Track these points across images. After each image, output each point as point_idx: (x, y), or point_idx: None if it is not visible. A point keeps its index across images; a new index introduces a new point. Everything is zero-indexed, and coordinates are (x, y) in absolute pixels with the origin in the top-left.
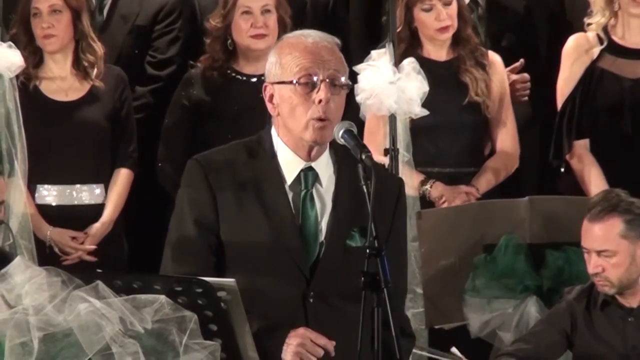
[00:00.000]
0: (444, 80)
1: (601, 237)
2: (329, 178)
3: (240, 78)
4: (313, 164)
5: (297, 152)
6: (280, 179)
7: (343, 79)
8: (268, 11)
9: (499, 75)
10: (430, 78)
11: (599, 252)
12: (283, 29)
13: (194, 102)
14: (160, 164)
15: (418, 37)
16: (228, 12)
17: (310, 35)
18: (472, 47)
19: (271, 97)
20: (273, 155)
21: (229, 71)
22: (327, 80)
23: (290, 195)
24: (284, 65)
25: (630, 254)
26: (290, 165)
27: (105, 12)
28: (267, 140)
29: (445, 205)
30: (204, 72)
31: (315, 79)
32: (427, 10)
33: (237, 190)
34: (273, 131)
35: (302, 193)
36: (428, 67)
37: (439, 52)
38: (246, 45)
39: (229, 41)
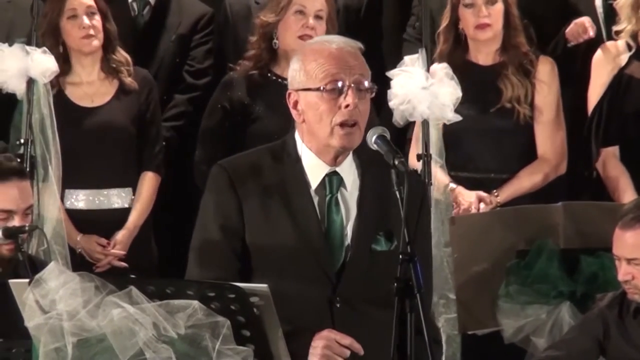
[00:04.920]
0: (483, 85)
1: (631, 245)
2: (353, 182)
3: (281, 82)
4: (337, 169)
5: (321, 157)
6: (305, 183)
7: (367, 83)
8: (320, 17)
9: (545, 81)
10: (473, 82)
11: (629, 260)
12: None
13: (234, 105)
14: (197, 165)
15: (466, 41)
16: (282, 8)
17: (334, 41)
18: (520, 53)
19: (295, 103)
20: (297, 160)
21: (269, 74)
22: (353, 85)
23: (315, 199)
24: (309, 72)
25: None
26: (315, 169)
27: (145, 21)
28: (292, 145)
29: (462, 209)
30: (246, 73)
31: (341, 84)
32: (469, 7)
33: (262, 195)
34: (297, 136)
35: (328, 197)
36: (472, 70)
37: (485, 57)
38: (291, 46)
39: (275, 40)
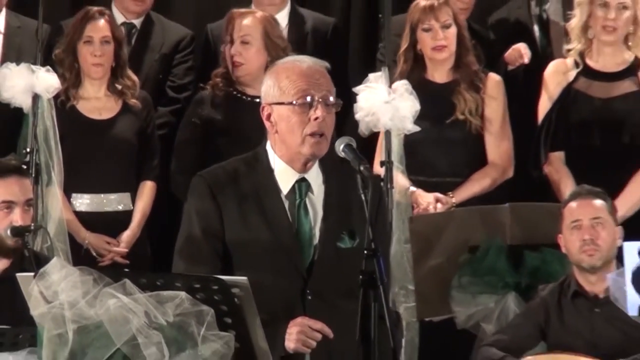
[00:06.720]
0: (438, 99)
1: (598, 207)
2: (319, 187)
3: (245, 98)
4: (306, 175)
5: (292, 165)
6: (277, 189)
7: (333, 99)
8: (246, 42)
9: (493, 96)
10: (429, 97)
11: (594, 219)
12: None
13: (204, 120)
14: (173, 175)
15: (424, 60)
16: (226, 38)
17: (304, 61)
18: (471, 71)
19: (268, 116)
20: (270, 169)
21: (234, 92)
22: (321, 100)
23: (286, 204)
24: (282, 87)
25: (614, 232)
26: (285, 177)
27: (133, 42)
28: (264, 155)
29: (421, 209)
30: (214, 90)
31: (310, 99)
32: (427, 31)
33: (239, 201)
34: (268, 147)
35: (297, 202)
36: (429, 87)
37: (441, 75)
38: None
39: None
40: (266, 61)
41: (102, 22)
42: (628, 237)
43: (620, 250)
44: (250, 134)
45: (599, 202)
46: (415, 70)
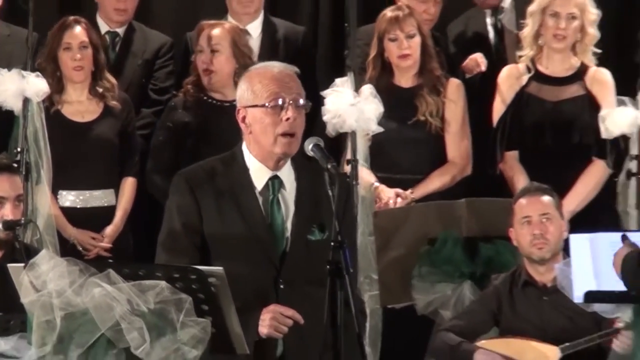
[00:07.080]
0: (402, 102)
1: (546, 203)
2: (291, 184)
3: (215, 102)
4: (278, 173)
5: (265, 164)
6: (252, 186)
7: (302, 101)
8: (215, 51)
9: (452, 99)
10: (395, 100)
11: (542, 214)
12: (240, 68)
13: (177, 124)
14: (148, 175)
15: (391, 67)
16: (197, 48)
17: (275, 66)
18: (434, 77)
19: (243, 118)
20: (245, 167)
21: (205, 97)
22: (292, 102)
23: (260, 199)
24: (255, 91)
25: (560, 226)
26: (259, 174)
27: (117, 49)
28: (239, 155)
29: (383, 203)
30: (186, 96)
31: (282, 101)
32: (393, 40)
33: (216, 197)
34: (244, 147)
35: (270, 198)
36: (396, 92)
37: (406, 80)
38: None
39: None
40: (234, 68)
41: (78, 29)
42: (573, 229)
43: (566, 242)
44: (219, 135)
45: (546, 199)
46: (383, 76)
